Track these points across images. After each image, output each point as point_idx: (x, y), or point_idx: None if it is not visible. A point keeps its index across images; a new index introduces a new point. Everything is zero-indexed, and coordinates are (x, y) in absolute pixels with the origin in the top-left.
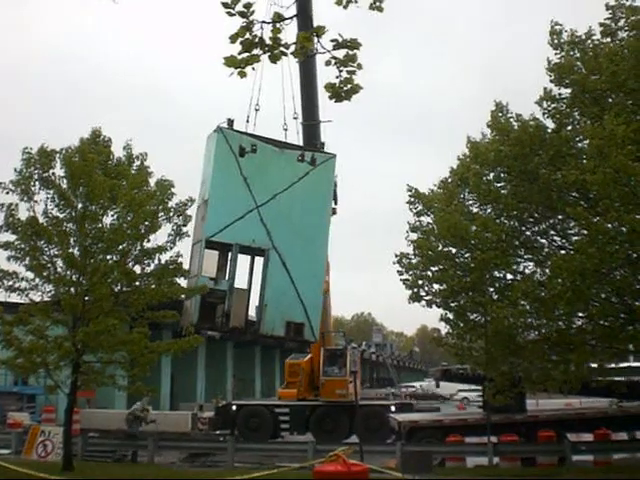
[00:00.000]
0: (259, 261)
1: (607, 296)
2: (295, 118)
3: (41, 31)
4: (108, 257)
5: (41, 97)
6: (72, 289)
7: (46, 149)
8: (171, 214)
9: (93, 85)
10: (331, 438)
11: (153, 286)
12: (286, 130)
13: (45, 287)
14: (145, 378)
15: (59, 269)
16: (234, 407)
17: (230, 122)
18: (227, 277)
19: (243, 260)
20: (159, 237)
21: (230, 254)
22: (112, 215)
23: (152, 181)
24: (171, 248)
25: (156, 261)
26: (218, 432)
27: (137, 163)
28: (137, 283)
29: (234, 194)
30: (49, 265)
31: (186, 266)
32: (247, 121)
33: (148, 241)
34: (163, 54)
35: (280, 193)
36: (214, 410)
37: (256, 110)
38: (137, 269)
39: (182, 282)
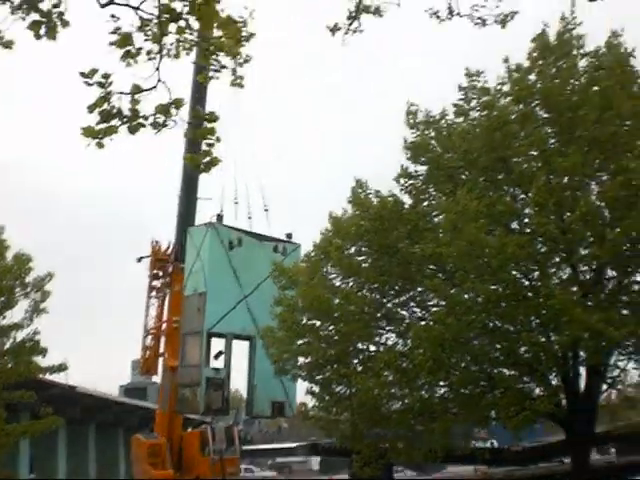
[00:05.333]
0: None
1: (467, 365)
2: (266, 210)
3: None
4: None
5: None
6: None
7: None
8: (29, 289)
9: None
10: None
11: (9, 365)
12: (250, 219)
13: None
14: (0, 463)
15: None
16: None
17: (219, 217)
18: (224, 365)
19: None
20: (15, 314)
21: (225, 343)
22: None
23: (9, 255)
24: (28, 325)
25: (12, 339)
26: None
27: None
28: None
29: (227, 286)
30: None
31: (46, 344)
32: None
33: (4, 318)
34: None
35: (262, 282)
36: None
37: (235, 204)
38: None
39: (39, 360)
